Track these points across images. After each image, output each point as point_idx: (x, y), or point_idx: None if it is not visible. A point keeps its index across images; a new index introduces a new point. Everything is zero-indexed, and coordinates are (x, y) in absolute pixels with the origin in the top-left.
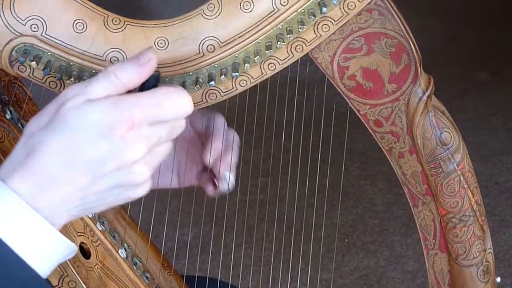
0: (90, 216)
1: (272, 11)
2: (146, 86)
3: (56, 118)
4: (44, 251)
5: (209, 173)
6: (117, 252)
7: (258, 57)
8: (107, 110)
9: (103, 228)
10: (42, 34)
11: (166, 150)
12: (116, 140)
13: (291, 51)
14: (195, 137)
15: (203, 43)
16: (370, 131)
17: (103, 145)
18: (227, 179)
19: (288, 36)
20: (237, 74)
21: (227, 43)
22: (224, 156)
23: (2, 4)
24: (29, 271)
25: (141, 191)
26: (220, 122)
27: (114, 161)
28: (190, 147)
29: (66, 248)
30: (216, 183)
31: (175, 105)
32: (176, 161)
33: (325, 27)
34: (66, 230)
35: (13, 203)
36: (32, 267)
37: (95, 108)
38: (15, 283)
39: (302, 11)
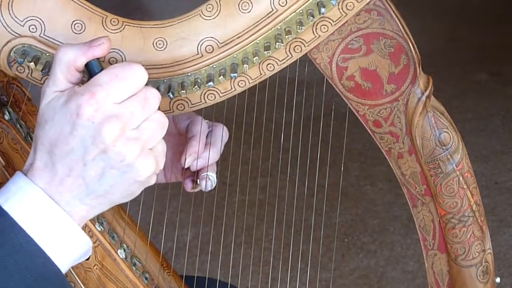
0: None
1: (271, 12)
2: (95, 73)
3: (38, 116)
4: (66, 247)
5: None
6: (116, 253)
7: (256, 57)
8: (69, 97)
9: (102, 228)
10: (41, 35)
11: (155, 123)
12: (87, 125)
13: (290, 52)
14: (180, 135)
15: (202, 44)
16: (369, 131)
17: (77, 132)
18: (210, 179)
19: (286, 36)
20: (235, 74)
21: (226, 44)
22: (203, 155)
23: (1, 5)
24: (52, 266)
25: (145, 170)
26: (198, 125)
27: (95, 146)
28: (176, 144)
29: (85, 244)
30: (197, 181)
31: (132, 73)
32: None
33: (324, 28)
34: None
35: (36, 197)
36: (55, 263)
37: (59, 98)
38: (38, 277)
39: (301, 11)
